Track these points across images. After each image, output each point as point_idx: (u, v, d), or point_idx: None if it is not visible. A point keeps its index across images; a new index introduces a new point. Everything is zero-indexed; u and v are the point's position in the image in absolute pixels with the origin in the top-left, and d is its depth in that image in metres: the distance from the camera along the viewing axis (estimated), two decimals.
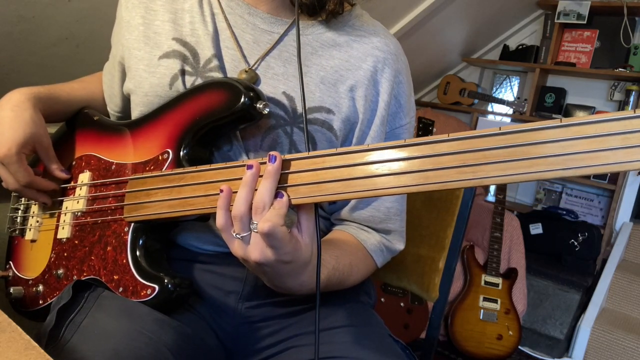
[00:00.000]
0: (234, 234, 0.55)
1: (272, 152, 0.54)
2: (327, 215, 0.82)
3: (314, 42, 0.74)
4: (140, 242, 0.66)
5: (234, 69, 0.71)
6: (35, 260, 0.79)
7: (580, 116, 0.42)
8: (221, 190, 0.56)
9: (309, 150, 0.55)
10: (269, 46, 0.73)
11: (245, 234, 0.54)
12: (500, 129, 0.44)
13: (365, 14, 0.80)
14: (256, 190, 0.54)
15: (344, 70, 0.73)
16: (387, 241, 0.79)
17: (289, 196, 0.53)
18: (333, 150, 0.52)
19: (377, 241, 0.78)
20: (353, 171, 0.51)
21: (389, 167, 0.49)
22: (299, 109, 0.70)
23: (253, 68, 0.71)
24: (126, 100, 0.80)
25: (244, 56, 0.72)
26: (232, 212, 0.54)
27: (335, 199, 0.52)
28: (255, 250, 0.54)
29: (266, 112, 0.64)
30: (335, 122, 0.72)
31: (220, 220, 0.56)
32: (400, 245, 0.82)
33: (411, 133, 0.81)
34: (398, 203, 0.79)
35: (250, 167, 0.55)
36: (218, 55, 0.71)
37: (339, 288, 0.71)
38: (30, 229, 0.82)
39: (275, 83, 0.71)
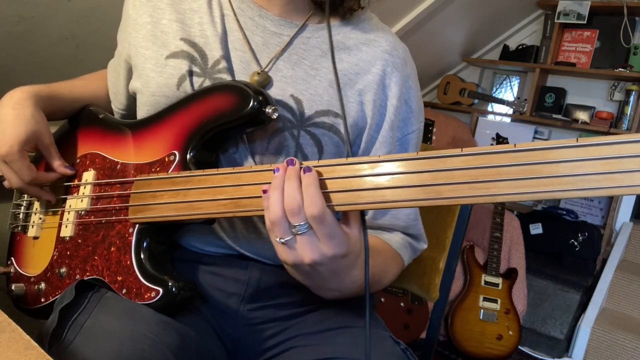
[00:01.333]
0: (277, 239, 0.55)
1: (289, 158, 0.55)
2: None
3: (323, 45, 0.73)
4: (145, 244, 0.66)
5: (243, 71, 0.71)
6: (37, 258, 0.79)
7: (596, 138, 0.41)
8: (264, 191, 0.55)
9: (348, 156, 0.54)
10: (278, 49, 0.72)
11: (288, 238, 0.54)
12: (514, 146, 0.44)
13: (375, 17, 0.80)
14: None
15: (353, 74, 0.73)
16: (411, 240, 0.80)
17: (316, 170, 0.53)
18: (343, 160, 0.52)
19: (401, 238, 0.78)
20: (362, 182, 0.51)
21: (399, 179, 0.49)
22: (307, 112, 0.70)
23: (265, 70, 0.71)
24: (131, 99, 0.80)
25: (256, 58, 0.72)
26: (270, 219, 0.54)
27: (342, 209, 0.52)
28: (308, 250, 0.54)
29: (275, 116, 0.64)
30: (343, 126, 0.72)
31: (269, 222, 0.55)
32: (424, 245, 0.83)
33: (420, 139, 0.80)
34: (414, 208, 0.79)
35: (277, 170, 0.55)
36: (226, 56, 0.71)
37: (377, 289, 0.71)
38: (32, 226, 0.81)
39: (284, 86, 0.71)
